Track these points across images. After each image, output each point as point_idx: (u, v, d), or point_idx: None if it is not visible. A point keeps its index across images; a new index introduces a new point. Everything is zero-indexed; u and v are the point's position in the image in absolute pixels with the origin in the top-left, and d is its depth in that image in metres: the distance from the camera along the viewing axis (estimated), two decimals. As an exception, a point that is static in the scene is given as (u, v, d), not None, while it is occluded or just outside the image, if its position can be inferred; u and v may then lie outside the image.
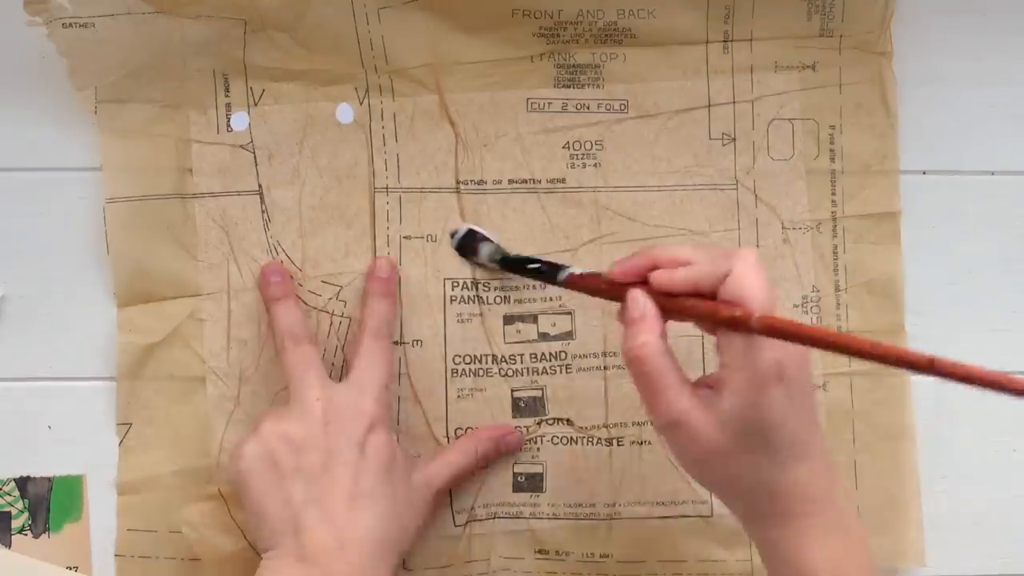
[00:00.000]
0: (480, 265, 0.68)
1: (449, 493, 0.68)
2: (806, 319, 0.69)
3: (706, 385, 0.57)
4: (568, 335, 0.69)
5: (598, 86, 0.68)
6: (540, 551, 0.69)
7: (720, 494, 0.59)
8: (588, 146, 0.68)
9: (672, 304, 0.56)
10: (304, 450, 0.61)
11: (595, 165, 0.68)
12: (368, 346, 0.65)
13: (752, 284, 0.54)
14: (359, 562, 0.60)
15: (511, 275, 0.68)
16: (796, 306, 0.69)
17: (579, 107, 0.68)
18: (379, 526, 0.61)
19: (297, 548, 0.60)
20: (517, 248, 0.68)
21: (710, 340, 0.68)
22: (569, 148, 0.68)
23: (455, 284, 0.68)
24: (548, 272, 0.64)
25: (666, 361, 0.56)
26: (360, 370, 0.64)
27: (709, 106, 0.69)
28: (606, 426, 0.69)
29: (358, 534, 0.60)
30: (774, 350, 0.53)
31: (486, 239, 0.67)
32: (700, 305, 0.55)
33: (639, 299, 0.57)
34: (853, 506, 0.57)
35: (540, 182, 0.68)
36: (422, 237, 0.68)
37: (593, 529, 0.69)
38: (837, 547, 0.55)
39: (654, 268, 0.57)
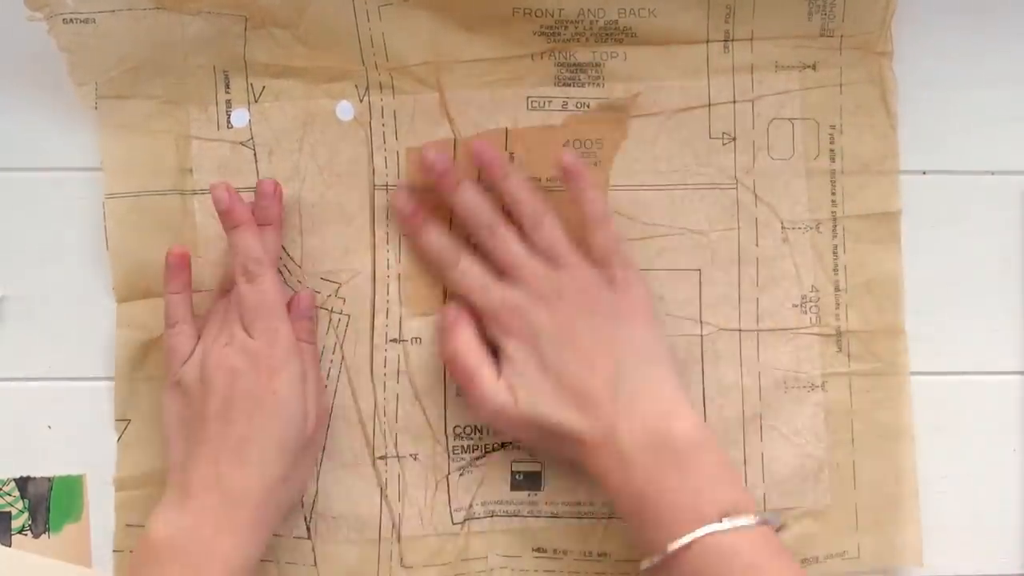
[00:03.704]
0: None
1: (447, 491, 0.69)
2: (805, 319, 0.69)
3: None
4: (567, 334, 0.69)
5: (598, 85, 0.68)
6: (538, 549, 0.69)
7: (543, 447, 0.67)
8: (588, 145, 0.68)
9: None
10: (206, 392, 0.62)
11: (595, 164, 0.68)
12: (243, 287, 0.63)
13: None
14: (239, 517, 0.60)
15: None
16: (796, 306, 0.69)
17: (579, 106, 0.68)
18: (264, 485, 0.60)
19: (182, 493, 0.61)
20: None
21: (710, 340, 0.68)
22: (569, 147, 0.68)
23: (454, 282, 0.68)
24: None
25: (477, 359, 0.64)
26: (248, 313, 0.63)
27: (709, 105, 0.69)
28: (605, 424, 0.69)
29: (238, 490, 0.60)
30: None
31: None
32: None
33: (445, 310, 0.66)
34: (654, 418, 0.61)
35: (540, 180, 0.68)
36: (422, 235, 0.68)
37: (591, 528, 0.69)
38: (635, 471, 0.60)
39: None
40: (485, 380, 0.63)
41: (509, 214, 0.66)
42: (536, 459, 0.69)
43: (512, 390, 0.63)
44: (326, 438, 0.67)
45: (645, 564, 0.59)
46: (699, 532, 0.57)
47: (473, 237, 0.66)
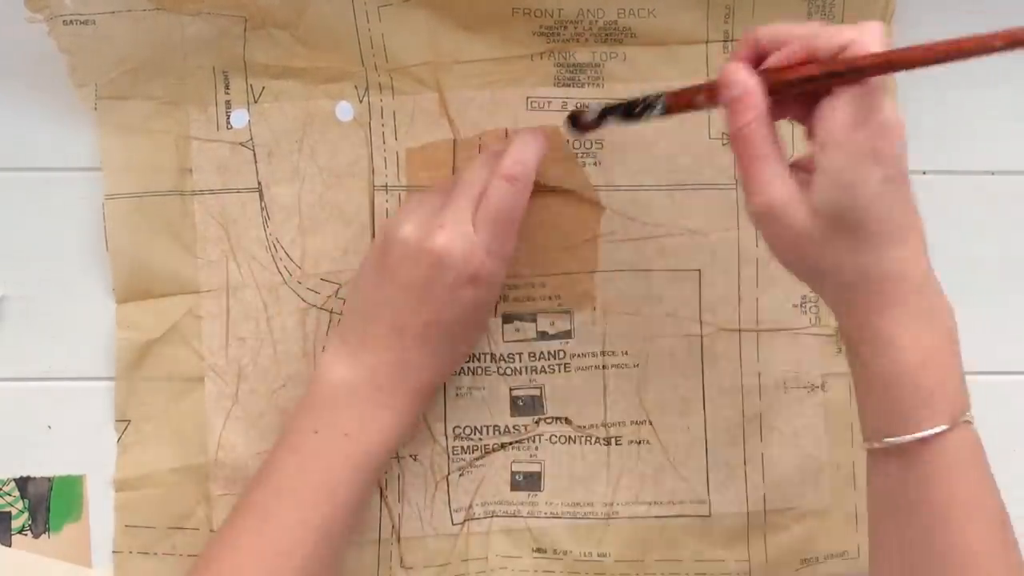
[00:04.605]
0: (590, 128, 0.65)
1: (447, 491, 0.69)
2: (805, 319, 0.69)
3: (803, 169, 0.55)
4: (567, 334, 0.69)
5: (598, 85, 0.68)
6: (538, 550, 0.69)
7: (813, 283, 0.59)
8: (588, 145, 0.68)
9: (780, 76, 0.54)
10: (413, 263, 0.62)
11: (595, 164, 0.68)
12: (503, 188, 0.62)
13: (877, 48, 0.52)
14: (408, 387, 0.63)
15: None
16: (795, 306, 0.69)
17: (579, 106, 0.68)
18: (435, 365, 0.64)
19: (358, 344, 0.63)
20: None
21: (710, 340, 0.68)
22: (569, 147, 0.68)
23: (454, 283, 0.68)
24: (647, 106, 0.60)
25: (768, 144, 0.55)
26: (490, 212, 0.62)
27: (709, 105, 0.69)
28: (604, 425, 0.69)
29: (415, 360, 0.62)
30: (870, 132, 0.52)
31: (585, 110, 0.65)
32: (812, 67, 0.53)
33: (739, 74, 0.54)
34: (944, 299, 0.57)
35: (539, 180, 0.68)
36: (421, 235, 0.68)
37: (591, 528, 0.69)
38: (928, 337, 0.55)
39: (761, 53, 0.56)
40: (772, 164, 0.55)
41: None
42: (535, 460, 0.69)
43: (809, 182, 0.54)
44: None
45: (886, 442, 0.56)
46: (963, 418, 0.56)
47: None
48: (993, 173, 0.70)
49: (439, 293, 0.61)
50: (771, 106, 0.54)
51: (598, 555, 0.69)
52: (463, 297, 0.61)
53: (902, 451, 0.55)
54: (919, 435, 0.55)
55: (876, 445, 0.56)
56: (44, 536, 0.69)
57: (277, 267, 0.68)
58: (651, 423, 0.69)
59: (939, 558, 0.55)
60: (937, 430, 0.54)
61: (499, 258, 0.62)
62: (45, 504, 0.68)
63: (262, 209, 0.68)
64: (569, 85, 0.68)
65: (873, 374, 0.56)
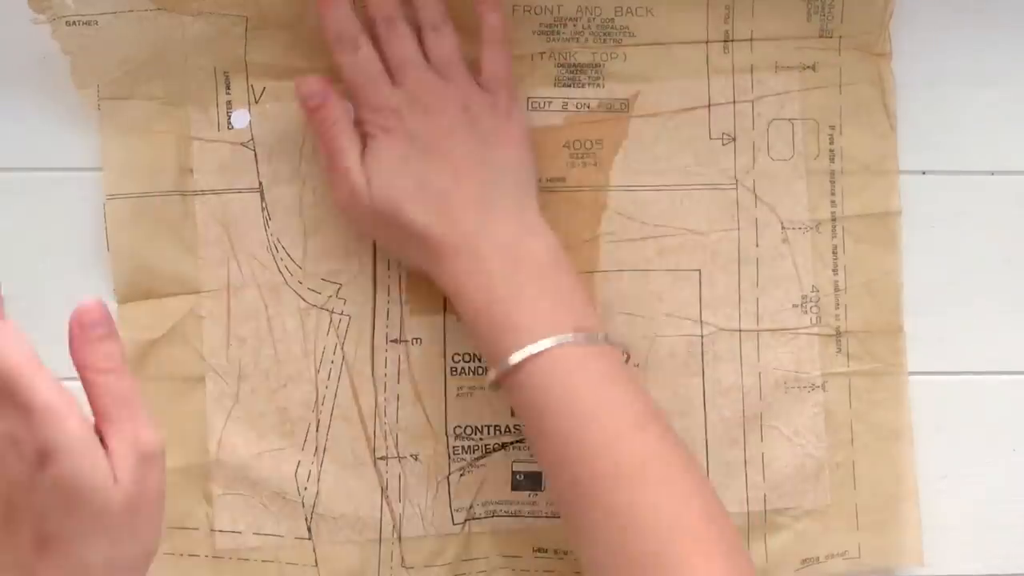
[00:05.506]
0: None
1: (448, 491, 0.69)
2: (805, 319, 0.69)
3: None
4: (567, 334, 0.69)
5: (598, 85, 0.68)
6: (539, 549, 0.69)
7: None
8: (588, 145, 0.68)
9: None
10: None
11: (595, 164, 0.68)
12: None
13: None
14: None
15: None
16: (796, 306, 0.69)
17: (579, 106, 0.68)
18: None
19: None
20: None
21: (710, 340, 0.68)
22: (569, 147, 0.68)
23: (455, 282, 0.68)
24: None
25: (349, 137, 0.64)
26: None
27: (709, 106, 0.69)
28: (605, 425, 0.69)
29: None
30: None
31: None
32: None
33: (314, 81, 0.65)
34: (496, 247, 0.62)
35: (540, 180, 0.67)
36: (422, 235, 0.68)
37: (592, 528, 0.69)
38: (479, 282, 0.62)
39: None
40: (350, 159, 0.63)
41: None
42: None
43: (369, 178, 0.63)
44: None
45: (492, 374, 0.61)
46: (553, 341, 0.59)
47: (372, 28, 0.64)
48: (993, 173, 0.70)
49: None
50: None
51: (599, 555, 0.69)
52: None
53: (506, 378, 0.60)
54: (503, 369, 0.60)
55: (489, 378, 0.62)
56: (44, 537, 0.68)
57: (278, 267, 0.68)
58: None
59: (573, 463, 0.59)
60: (519, 355, 0.59)
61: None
62: (45, 505, 0.68)
63: (263, 209, 0.68)
64: (569, 85, 0.68)
65: (462, 321, 0.64)
